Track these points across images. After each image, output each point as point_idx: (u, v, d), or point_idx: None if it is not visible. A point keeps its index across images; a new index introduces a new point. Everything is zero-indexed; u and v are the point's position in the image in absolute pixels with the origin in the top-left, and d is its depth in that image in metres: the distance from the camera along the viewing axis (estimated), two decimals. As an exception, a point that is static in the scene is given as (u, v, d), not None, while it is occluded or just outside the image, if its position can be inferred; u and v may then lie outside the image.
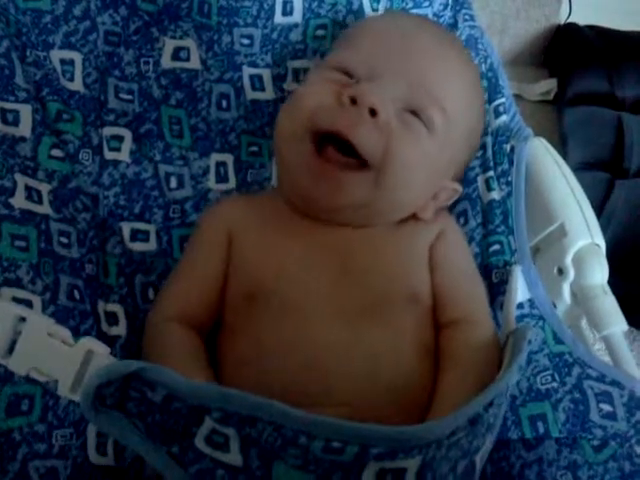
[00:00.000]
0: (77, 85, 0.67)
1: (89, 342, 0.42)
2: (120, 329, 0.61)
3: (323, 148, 0.55)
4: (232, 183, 0.73)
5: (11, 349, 0.42)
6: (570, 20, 1.37)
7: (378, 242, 0.59)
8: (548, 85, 1.29)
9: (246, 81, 0.74)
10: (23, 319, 0.42)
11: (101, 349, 0.42)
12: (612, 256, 0.66)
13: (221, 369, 0.55)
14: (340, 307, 0.54)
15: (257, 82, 0.75)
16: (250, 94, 0.74)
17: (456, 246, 0.62)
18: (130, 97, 0.70)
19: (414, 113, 0.57)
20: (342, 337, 0.53)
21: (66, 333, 0.42)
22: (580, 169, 1.07)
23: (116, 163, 0.68)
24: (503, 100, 0.71)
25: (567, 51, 1.32)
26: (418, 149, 0.56)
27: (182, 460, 0.42)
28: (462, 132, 0.61)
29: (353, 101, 0.55)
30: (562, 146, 1.14)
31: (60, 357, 0.41)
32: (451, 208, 0.69)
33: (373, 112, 0.54)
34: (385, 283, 0.56)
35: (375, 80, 0.57)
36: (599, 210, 0.97)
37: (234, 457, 0.40)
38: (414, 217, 0.61)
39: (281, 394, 0.49)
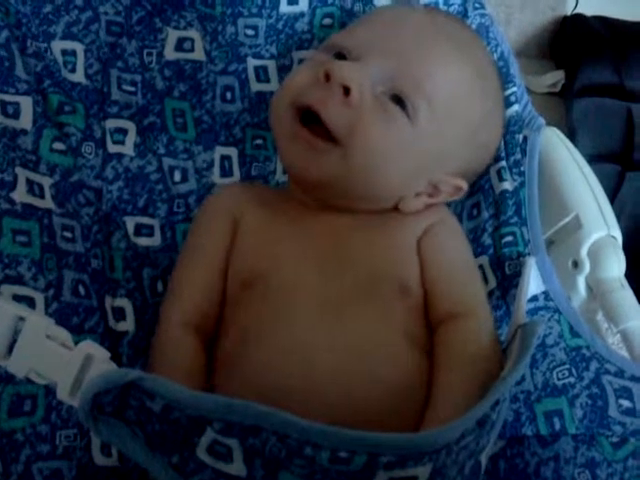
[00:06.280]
0: (79, 76, 0.66)
1: (88, 346, 0.40)
2: (128, 324, 0.60)
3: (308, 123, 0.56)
4: (236, 177, 0.72)
5: (10, 350, 0.40)
6: (577, 11, 1.36)
7: (369, 231, 0.58)
8: (555, 77, 1.28)
9: (251, 73, 0.73)
10: (23, 319, 0.40)
11: (101, 354, 0.40)
12: (623, 249, 0.65)
13: (214, 362, 0.54)
14: (328, 294, 0.53)
15: (262, 74, 0.73)
16: (255, 86, 0.73)
17: (447, 240, 0.60)
18: (133, 89, 0.69)
19: (397, 98, 0.55)
20: (326, 323, 0.52)
21: (66, 335, 0.41)
22: (589, 161, 1.05)
23: (120, 156, 0.67)
24: (515, 89, 0.69)
25: (574, 42, 1.30)
26: (389, 134, 0.55)
27: (183, 470, 0.40)
28: (459, 126, 0.59)
29: (328, 77, 0.54)
30: (571, 138, 1.12)
31: (58, 361, 0.40)
32: (464, 200, 0.68)
33: (347, 90, 0.54)
34: (373, 271, 0.55)
35: (361, 60, 0.56)
36: (609, 203, 0.96)
37: (237, 467, 0.39)
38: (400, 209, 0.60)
39: (265, 382, 0.49)
